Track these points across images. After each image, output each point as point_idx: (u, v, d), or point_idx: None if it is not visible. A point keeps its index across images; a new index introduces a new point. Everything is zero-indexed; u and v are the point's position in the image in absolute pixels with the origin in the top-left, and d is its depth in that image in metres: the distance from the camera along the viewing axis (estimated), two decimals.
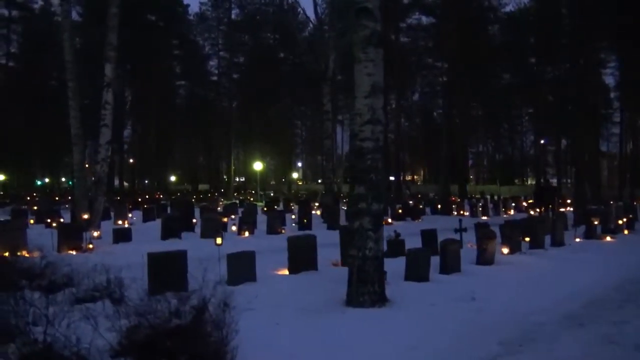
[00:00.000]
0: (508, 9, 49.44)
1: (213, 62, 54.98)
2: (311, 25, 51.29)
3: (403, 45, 48.99)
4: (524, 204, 27.66)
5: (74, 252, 11.61)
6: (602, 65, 57.68)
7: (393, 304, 6.15)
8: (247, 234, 14.97)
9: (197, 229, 15.18)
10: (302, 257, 8.66)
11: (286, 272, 8.70)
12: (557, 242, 12.98)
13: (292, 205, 25.59)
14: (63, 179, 59.37)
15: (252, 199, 31.16)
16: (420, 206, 22.74)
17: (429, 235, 11.88)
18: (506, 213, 25.96)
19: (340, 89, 42.09)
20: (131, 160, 62.44)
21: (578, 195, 18.84)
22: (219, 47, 52.78)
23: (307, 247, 8.77)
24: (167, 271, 6.91)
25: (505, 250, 10.80)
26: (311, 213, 17.30)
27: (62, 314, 4.23)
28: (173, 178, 64.72)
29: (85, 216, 12.20)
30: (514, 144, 71.11)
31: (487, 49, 45.04)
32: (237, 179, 70.01)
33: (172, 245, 12.87)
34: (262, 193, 37.15)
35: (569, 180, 58.93)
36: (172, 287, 6.79)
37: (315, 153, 75.34)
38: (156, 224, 19.10)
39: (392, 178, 43.84)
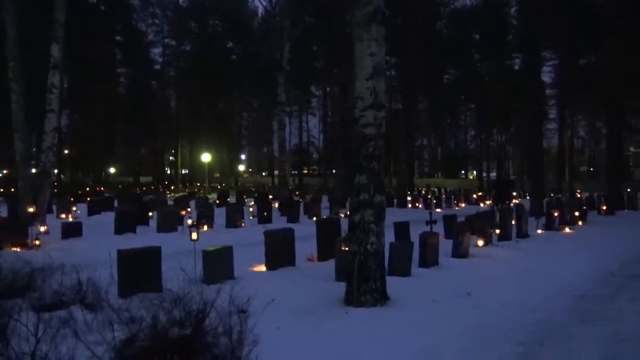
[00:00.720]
0: (457, 4, 49.77)
1: (157, 50, 52.93)
2: (261, 14, 50.56)
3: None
4: (474, 196, 28.15)
5: (18, 249, 10.58)
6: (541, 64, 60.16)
7: (394, 302, 5.75)
8: (205, 227, 14.21)
9: (152, 223, 14.31)
10: (279, 252, 8.14)
11: (263, 268, 8.17)
12: (523, 234, 13.05)
13: (246, 198, 24.90)
14: None
15: (201, 192, 30.13)
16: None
17: (402, 228, 11.63)
18: (457, 205, 26.33)
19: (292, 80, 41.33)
20: (66, 151, 59.57)
21: (535, 188, 19.19)
22: (164, 34, 50.80)
23: (285, 242, 8.25)
24: (140, 270, 6.23)
25: (480, 243, 10.67)
26: (271, 206, 16.69)
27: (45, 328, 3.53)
28: (112, 170, 62.02)
29: (31, 209, 11.12)
30: (457, 139, 72.88)
31: (436, 44, 45.54)
32: (181, 172, 68.09)
33: (127, 240, 12.07)
34: (209, 186, 36.06)
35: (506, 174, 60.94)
36: (146, 288, 6.17)
37: (260, 145, 74.42)
38: (104, 218, 17.99)
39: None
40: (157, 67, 53.34)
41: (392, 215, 20.07)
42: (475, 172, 69.94)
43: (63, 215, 17.33)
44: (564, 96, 50.24)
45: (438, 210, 23.61)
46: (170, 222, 13.48)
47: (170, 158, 67.68)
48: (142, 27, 51.47)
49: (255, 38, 48.17)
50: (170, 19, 49.10)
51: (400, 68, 47.25)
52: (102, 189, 34.55)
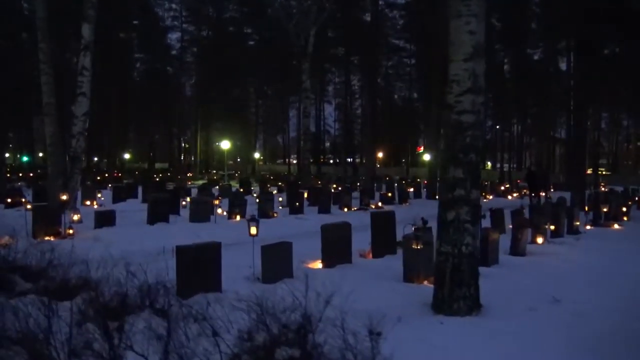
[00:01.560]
0: None
1: (174, 35, 52.35)
2: None
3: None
4: (502, 188, 27.43)
5: (52, 239, 10.13)
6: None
7: (487, 310, 5.18)
8: (238, 218, 13.74)
9: (183, 213, 13.81)
10: (336, 248, 7.58)
11: (318, 264, 7.63)
12: (574, 230, 12.40)
13: (269, 187, 24.38)
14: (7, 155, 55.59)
15: (222, 180, 29.66)
16: (412, 190, 21.98)
17: (381, 220, 10.70)
18: (485, 197, 25.59)
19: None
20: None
21: (576, 181, 18.42)
22: (182, 20, 50.13)
23: (342, 237, 7.69)
24: (200, 267, 5.69)
25: (540, 240, 10.05)
26: (303, 196, 16.15)
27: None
28: (127, 156, 61.74)
29: (64, 197, 10.65)
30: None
31: None
32: (193, 159, 67.72)
33: (162, 230, 11.62)
34: (227, 173, 35.58)
35: (514, 165, 59.87)
36: (206, 287, 5.65)
37: (273, 133, 73.74)
38: (130, 205, 17.55)
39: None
40: (174, 52, 52.75)
41: (425, 207, 19.50)
42: (489, 163, 69.03)
43: (88, 203, 16.93)
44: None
45: None
46: (203, 212, 12.98)
47: (183, 145, 67.45)
48: (159, 11, 51.01)
49: (274, 24, 47.47)
50: (189, 3, 48.38)
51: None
52: (119, 174, 34.20)
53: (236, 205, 13.91)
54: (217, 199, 13.39)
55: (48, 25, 12.20)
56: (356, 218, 15.58)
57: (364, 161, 24.06)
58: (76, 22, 13.02)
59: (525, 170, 32.03)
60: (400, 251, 8.70)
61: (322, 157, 69.77)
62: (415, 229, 9.51)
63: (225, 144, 33.44)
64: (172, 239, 10.73)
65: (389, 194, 19.10)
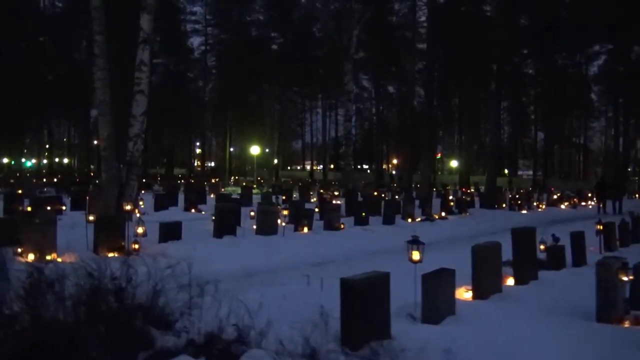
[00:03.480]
0: None
1: (194, 39, 51.30)
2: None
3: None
4: (554, 197, 25.97)
5: (116, 254, 8.86)
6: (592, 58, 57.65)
7: None
8: (306, 230, 12.43)
9: (245, 223, 12.48)
10: (486, 274, 6.21)
11: (465, 294, 6.25)
12: None
13: (311, 193, 23.13)
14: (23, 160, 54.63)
15: (254, 187, 28.38)
16: (469, 199, 20.58)
17: (522, 236, 9.11)
18: (538, 207, 24.01)
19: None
20: (95, 142, 58.53)
21: None
22: (205, 23, 49.06)
23: (493, 261, 6.33)
24: (368, 306, 4.36)
25: None
26: (365, 206, 14.81)
27: None
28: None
29: (128, 206, 9.35)
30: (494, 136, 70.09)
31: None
32: (207, 164, 66.51)
33: (232, 245, 10.33)
34: (257, 179, 34.29)
35: (539, 173, 58.34)
36: (372, 331, 4.32)
37: (290, 138, 72.33)
38: (173, 213, 16.22)
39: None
40: (196, 55, 51.73)
41: (489, 218, 18.12)
42: (506, 170, 67.18)
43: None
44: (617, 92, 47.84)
45: (524, 212, 21.58)
46: (270, 223, 11.67)
47: (197, 150, 66.28)
48: (181, 15, 49.95)
49: (300, 27, 46.39)
50: (213, 6, 47.33)
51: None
52: (143, 180, 33.00)
53: (303, 216, 12.60)
54: (285, 209, 12.03)
55: (103, 15, 10.94)
56: (429, 231, 14.26)
57: (421, 166, 22.64)
58: (133, 14, 11.77)
59: (596, 179, 30.97)
60: (541, 276, 7.35)
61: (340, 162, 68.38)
62: (547, 247, 8.17)
63: (255, 150, 32.15)
64: (250, 256, 9.48)
65: (451, 203, 17.72)
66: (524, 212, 21.52)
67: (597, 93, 60.18)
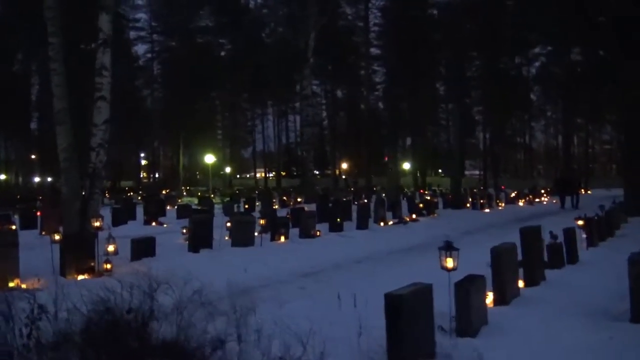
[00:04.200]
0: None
1: (139, 47, 49.64)
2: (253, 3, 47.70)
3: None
4: (512, 195, 26.45)
5: (86, 276, 8.04)
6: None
7: None
8: (283, 239, 11.87)
9: (217, 234, 11.77)
10: (507, 278, 5.90)
11: (488, 301, 5.88)
12: None
13: (274, 201, 22.54)
14: None
15: (212, 196, 27.47)
16: (435, 200, 20.50)
17: (531, 235, 9.00)
18: (498, 205, 24.31)
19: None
20: (33, 157, 55.78)
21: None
22: (151, 30, 47.54)
23: (510, 263, 6.03)
24: (413, 324, 3.91)
25: None
26: (340, 211, 14.39)
27: None
28: None
29: (97, 223, 8.52)
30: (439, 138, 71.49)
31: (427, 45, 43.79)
32: (155, 175, 64.47)
33: (210, 259, 9.64)
34: (213, 189, 33.26)
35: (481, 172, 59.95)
36: (417, 351, 3.89)
37: (240, 146, 71.15)
38: (134, 228, 15.30)
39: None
40: (141, 63, 50.05)
41: (457, 218, 18.08)
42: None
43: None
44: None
45: (487, 210, 21.77)
46: (247, 234, 11.07)
47: (142, 162, 64.10)
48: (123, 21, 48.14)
49: (250, 34, 45.64)
50: (157, 13, 45.89)
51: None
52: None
53: (279, 224, 12.03)
54: (262, 218, 11.43)
55: (57, 14, 10.04)
56: (405, 234, 14.03)
57: (389, 169, 22.56)
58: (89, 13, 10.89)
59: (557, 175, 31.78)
60: (550, 277, 7.12)
61: (293, 169, 67.90)
62: (546, 245, 7.97)
63: (210, 158, 31.18)
64: (236, 269, 8.83)
65: (421, 205, 17.56)
66: (487, 210, 21.71)
67: (536, 93, 62.42)
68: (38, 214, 14.33)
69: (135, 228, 15.31)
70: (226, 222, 11.38)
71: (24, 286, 7.32)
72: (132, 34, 48.85)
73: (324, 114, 58.76)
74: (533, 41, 53.50)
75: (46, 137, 44.40)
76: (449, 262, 4.62)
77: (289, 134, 63.95)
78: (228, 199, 25.86)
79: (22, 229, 14.39)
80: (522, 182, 50.59)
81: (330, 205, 15.36)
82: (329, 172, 58.44)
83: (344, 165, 66.02)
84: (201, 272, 8.34)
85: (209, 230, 10.38)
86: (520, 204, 25.06)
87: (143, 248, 9.23)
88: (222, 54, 49.42)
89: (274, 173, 64.16)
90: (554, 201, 27.36)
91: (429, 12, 44.01)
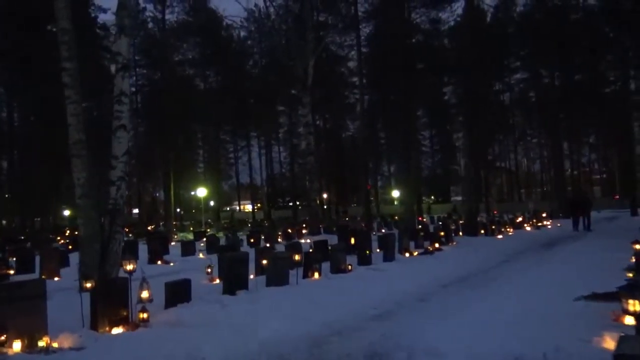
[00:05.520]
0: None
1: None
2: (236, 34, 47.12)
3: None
4: (518, 220, 25.94)
5: (122, 329, 6.96)
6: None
7: None
8: (317, 275, 10.93)
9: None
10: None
11: None
12: None
13: (279, 234, 21.50)
14: None
15: (208, 231, 26.30)
16: (453, 227, 19.74)
17: None
18: (507, 231, 23.68)
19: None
20: (6, 195, 53.65)
21: None
22: (134, 64, 46.51)
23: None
24: None
25: None
26: (369, 244, 13.50)
27: None
28: (67, 212, 55.66)
29: (130, 266, 7.48)
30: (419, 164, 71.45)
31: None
32: (135, 211, 62.66)
33: (251, 304, 8.53)
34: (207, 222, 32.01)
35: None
36: None
37: (223, 178, 69.92)
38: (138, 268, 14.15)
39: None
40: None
41: (478, 245, 17.31)
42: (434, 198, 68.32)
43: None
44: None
45: (500, 237, 21.14)
46: (281, 272, 10.09)
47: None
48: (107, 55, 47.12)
49: (231, 65, 45.12)
50: (140, 46, 45.00)
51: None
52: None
53: (313, 260, 11.09)
54: (297, 253, 10.49)
55: (74, 37, 9.14)
56: (436, 266, 13.13)
57: (403, 196, 22.01)
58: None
59: (568, 196, 31.56)
60: None
61: (279, 200, 66.88)
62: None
63: (202, 192, 30.05)
64: (296, 315, 7.78)
65: (442, 233, 16.77)
66: (500, 237, 21.08)
67: (517, 117, 63.05)
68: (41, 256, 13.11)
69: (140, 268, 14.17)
70: (260, 260, 10.34)
71: (55, 345, 6.22)
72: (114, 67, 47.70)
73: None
74: (511, 69, 54.37)
75: (24, 176, 42.74)
76: (635, 306, 3.76)
77: (273, 165, 63.11)
78: (226, 232, 24.79)
79: (17, 273, 13.20)
80: (509, 206, 50.57)
81: (350, 235, 14.44)
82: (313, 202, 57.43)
83: (325, 196, 65.27)
84: (253, 319, 7.39)
85: (245, 270, 9.38)
86: (528, 228, 24.54)
87: (177, 293, 8.18)
88: (203, 85, 48.65)
89: (258, 205, 63.02)
90: (558, 224, 27.02)
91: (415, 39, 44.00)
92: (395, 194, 51.39)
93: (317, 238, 17.68)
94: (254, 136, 58.59)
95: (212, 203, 57.68)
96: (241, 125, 50.11)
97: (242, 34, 45.92)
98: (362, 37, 37.70)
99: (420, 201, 43.30)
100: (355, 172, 55.77)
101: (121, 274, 9.19)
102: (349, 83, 54.53)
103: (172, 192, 29.92)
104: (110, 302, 7.17)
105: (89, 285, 7.08)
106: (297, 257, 10.40)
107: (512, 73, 55.49)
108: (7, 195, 53.10)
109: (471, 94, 52.84)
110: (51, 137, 36.31)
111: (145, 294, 7.67)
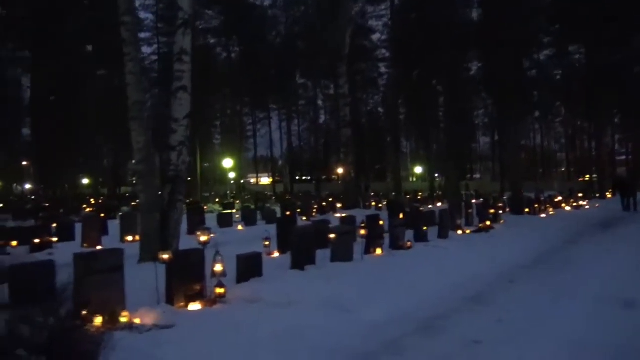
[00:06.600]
0: None
1: (144, 48, 47.63)
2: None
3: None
4: (557, 199, 25.15)
5: (199, 305, 6.40)
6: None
7: None
8: (379, 251, 10.36)
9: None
10: None
11: None
12: None
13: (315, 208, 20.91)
14: None
15: (237, 203, 25.79)
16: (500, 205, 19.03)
17: None
18: (547, 210, 22.79)
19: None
20: (24, 163, 53.59)
21: None
22: (157, 32, 45.75)
23: None
24: None
25: None
26: (422, 220, 12.86)
27: None
28: (86, 181, 55.36)
29: (204, 237, 6.88)
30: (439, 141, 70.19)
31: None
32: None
33: (322, 279, 7.96)
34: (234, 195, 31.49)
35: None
36: None
37: (243, 150, 68.97)
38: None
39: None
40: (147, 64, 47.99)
41: (530, 225, 16.62)
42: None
43: (130, 238, 12.94)
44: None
45: (543, 216, 20.41)
46: (346, 248, 9.52)
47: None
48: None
49: (255, 33, 44.11)
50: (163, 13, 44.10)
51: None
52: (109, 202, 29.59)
53: (376, 235, 10.49)
54: (362, 228, 9.89)
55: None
56: (498, 245, 12.48)
57: (449, 172, 21.54)
58: None
59: (614, 177, 31.05)
60: None
61: (298, 173, 66.26)
62: None
63: (228, 162, 29.46)
64: (380, 293, 7.21)
65: (492, 210, 16.04)
66: (543, 216, 20.38)
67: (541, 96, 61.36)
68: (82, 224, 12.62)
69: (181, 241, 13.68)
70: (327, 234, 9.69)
71: (136, 321, 5.67)
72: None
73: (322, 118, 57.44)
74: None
75: (41, 142, 42.29)
76: None
77: (292, 139, 62.20)
78: (251, 204, 24.33)
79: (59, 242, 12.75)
80: (534, 185, 49.45)
81: (406, 212, 13.81)
82: (334, 177, 56.84)
83: (340, 171, 64.29)
84: (345, 299, 6.82)
85: (313, 244, 8.78)
86: (568, 208, 23.77)
87: (250, 267, 7.61)
88: (225, 55, 47.75)
89: (277, 177, 62.56)
90: (596, 205, 26.27)
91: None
92: (418, 170, 50.49)
93: (351, 212, 17.07)
94: (274, 109, 57.69)
95: (231, 175, 57.00)
96: (261, 97, 49.17)
97: (267, 2, 44.84)
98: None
99: (459, 178, 42.08)
100: (377, 147, 54.89)
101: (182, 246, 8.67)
102: (373, 57, 53.20)
103: (198, 164, 29.26)
104: (185, 275, 6.62)
105: (165, 257, 6.46)
106: (362, 232, 9.77)
107: (542, 49, 53.58)
108: (24, 163, 52.99)
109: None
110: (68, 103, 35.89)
111: (219, 267, 7.06)
